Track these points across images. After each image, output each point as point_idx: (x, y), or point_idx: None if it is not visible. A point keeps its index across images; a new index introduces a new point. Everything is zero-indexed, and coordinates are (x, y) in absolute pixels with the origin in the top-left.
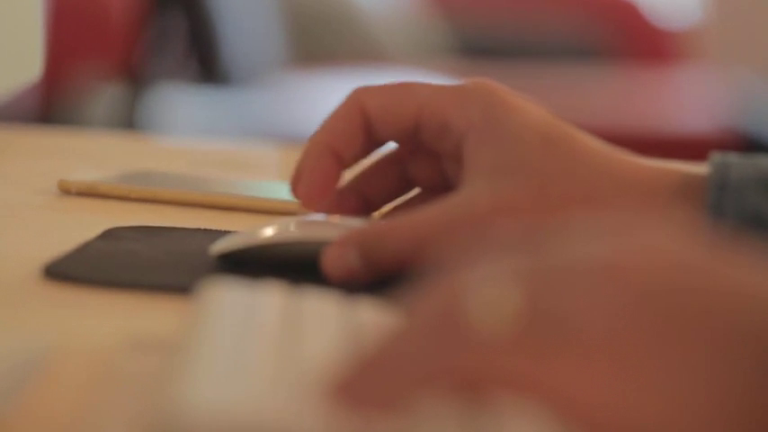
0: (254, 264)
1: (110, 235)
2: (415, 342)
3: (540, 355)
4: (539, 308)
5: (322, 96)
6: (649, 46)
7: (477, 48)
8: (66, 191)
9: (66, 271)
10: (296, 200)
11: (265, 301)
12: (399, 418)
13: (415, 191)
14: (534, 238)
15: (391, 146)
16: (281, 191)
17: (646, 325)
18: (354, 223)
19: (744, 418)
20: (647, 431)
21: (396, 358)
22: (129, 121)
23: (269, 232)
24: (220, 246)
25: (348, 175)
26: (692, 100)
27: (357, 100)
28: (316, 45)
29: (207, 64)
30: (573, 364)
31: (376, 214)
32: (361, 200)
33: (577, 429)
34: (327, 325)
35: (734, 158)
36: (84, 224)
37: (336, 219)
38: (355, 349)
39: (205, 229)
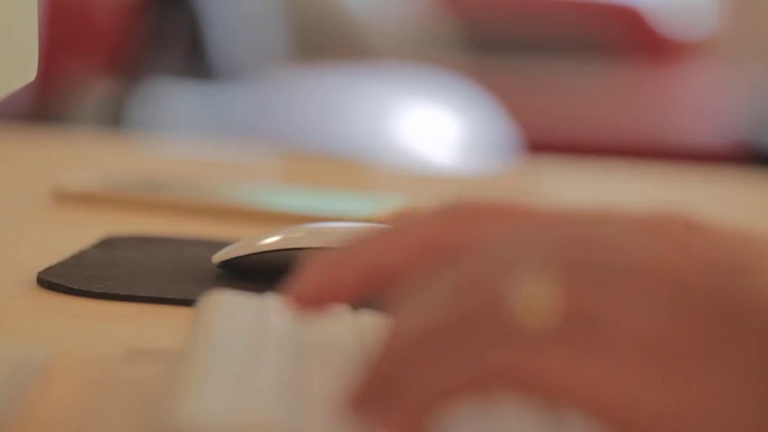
0: (257, 272)
1: (107, 244)
2: (452, 334)
3: (578, 353)
4: (579, 305)
5: (318, 93)
6: (659, 51)
7: (482, 44)
8: (62, 197)
9: (61, 281)
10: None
11: (268, 315)
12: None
13: None
14: (579, 227)
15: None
16: (283, 197)
17: (689, 326)
18: (360, 228)
19: None
20: None
21: (432, 350)
22: (121, 119)
23: (273, 239)
24: (223, 253)
25: None
26: (700, 107)
27: None
28: (313, 41)
29: (201, 60)
30: (613, 364)
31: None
32: None
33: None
34: (332, 339)
35: None
36: (80, 231)
37: (343, 224)
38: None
39: (203, 239)
